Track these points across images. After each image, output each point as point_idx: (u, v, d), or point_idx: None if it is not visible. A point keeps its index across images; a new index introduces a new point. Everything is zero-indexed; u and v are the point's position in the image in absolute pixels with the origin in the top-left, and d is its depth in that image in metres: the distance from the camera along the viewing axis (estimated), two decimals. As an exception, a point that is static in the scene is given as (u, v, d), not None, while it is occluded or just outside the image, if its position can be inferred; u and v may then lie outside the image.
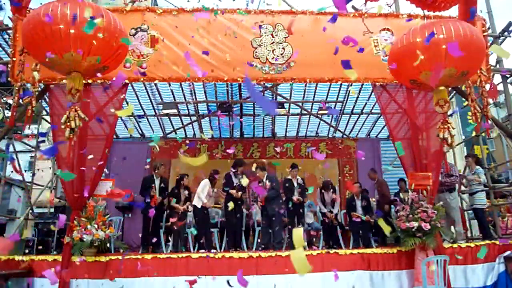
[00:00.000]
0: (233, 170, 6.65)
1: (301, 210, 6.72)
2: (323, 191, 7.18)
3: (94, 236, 5.01)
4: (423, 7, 4.37)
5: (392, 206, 7.37)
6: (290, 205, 6.54)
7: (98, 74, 4.39)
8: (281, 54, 5.85)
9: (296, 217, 6.61)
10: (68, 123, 4.31)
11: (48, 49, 3.91)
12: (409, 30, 4.47)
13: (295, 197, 6.59)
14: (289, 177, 6.90)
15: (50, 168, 8.95)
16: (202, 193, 6.32)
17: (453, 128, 4.91)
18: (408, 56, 4.37)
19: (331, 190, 7.16)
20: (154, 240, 6.02)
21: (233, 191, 6.42)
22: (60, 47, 3.90)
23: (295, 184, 6.75)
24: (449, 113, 6.54)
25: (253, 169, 6.21)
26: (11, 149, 6.87)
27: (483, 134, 7.78)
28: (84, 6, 3.95)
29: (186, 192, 6.62)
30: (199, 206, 6.26)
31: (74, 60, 4.01)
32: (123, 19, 5.67)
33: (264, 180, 6.52)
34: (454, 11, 4.95)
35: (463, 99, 6.27)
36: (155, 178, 6.69)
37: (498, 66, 6.79)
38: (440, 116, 5.81)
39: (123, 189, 7.99)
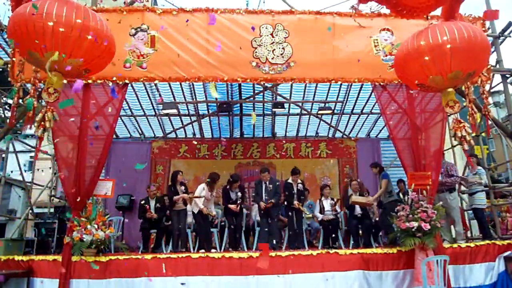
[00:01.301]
0: (228, 187, 6.77)
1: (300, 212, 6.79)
2: (322, 199, 7.20)
3: (94, 236, 5.01)
4: (397, 14, 4.34)
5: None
6: (292, 205, 6.61)
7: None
8: (281, 54, 5.85)
9: (295, 218, 6.64)
10: (43, 123, 4.25)
11: (30, 46, 3.80)
12: (413, 34, 4.46)
13: (296, 202, 6.62)
14: (290, 180, 6.94)
15: (50, 168, 8.96)
16: (199, 199, 6.32)
17: (469, 126, 4.91)
18: (413, 60, 4.36)
19: (329, 198, 7.19)
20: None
21: (232, 206, 6.48)
22: (42, 45, 3.77)
23: (295, 190, 6.79)
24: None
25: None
26: (11, 149, 6.88)
27: (483, 134, 7.80)
28: (72, 5, 3.89)
29: (183, 187, 6.61)
30: (195, 211, 6.29)
31: (56, 60, 3.85)
32: (123, 19, 5.71)
33: (267, 183, 6.62)
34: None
35: (463, 99, 6.27)
36: (150, 200, 6.73)
37: (498, 66, 6.79)
38: (440, 116, 5.84)
39: (124, 190, 8.09)
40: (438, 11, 4.59)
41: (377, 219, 7.03)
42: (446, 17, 4.48)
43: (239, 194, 6.66)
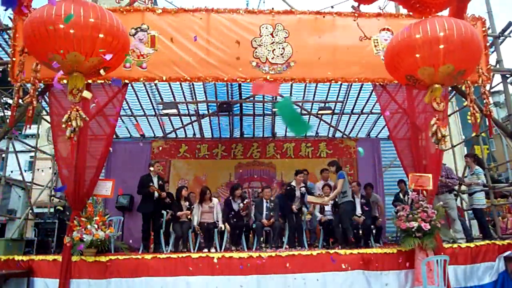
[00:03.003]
0: (230, 198, 6.88)
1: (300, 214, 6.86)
2: None
3: (94, 236, 5.01)
4: (410, 9, 4.35)
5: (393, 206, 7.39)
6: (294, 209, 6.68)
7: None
8: (281, 54, 5.84)
9: (295, 220, 6.69)
10: (69, 123, 4.31)
11: (50, 49, 3.90)
12: (407, 26, 4.45)
13: (294, 207, 6.66)
14: (293, 183, 6.90)
15: (50, 168, 8.97)
16: (197, 216, 6.52)
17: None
18: (405, 51, 4.36)
19: None
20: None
21: (227, 227, 6.55)
22: (64, 46, 3.89)
23: (298, 194, 6.79)
24: (449, 112, 6.54)
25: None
26: (11, 148, 6.87)
27: (483, 134, 7.80)
28: (87, 6, 3.95)
29: (187, 203, 6.66)
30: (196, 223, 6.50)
31: (77, 60, 4.02)
32: (123, 19, 5.70)
33: (269, 201, 6.75)
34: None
35: (463, 99, 6.26)
36: (152, 176, 6.70)
37: (498, 66, 6.79)
38: (440, 116, 5.83)
39: (124, 190, 8.09)
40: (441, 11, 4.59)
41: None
42: (453, 16, 4.49)
43: (241, 204, 6.71)
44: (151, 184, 6.49)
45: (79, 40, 3.89)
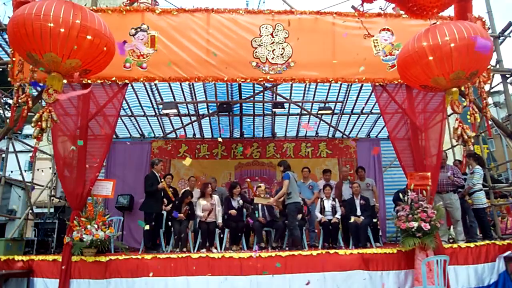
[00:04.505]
0: (229, 196, 6.90)
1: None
2: (323, 199, 7.10)
3: (94, 236, 5.01)
4: (407, 12, 4.35)
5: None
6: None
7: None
8: (281, 54, 5.85)
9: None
10: (39, 123, 4.23)
11: (29, 47, 3.82)
12: (413, 36, 4.46)
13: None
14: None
15: (50, 168, 8.97)
16: (199, 211, 6.54)
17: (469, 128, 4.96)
18: (416, 62, 4.37)
19: (331, 199, 7.09)
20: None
21: (232, 211, 6.63)
22: (40, 46, 3.80)
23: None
24: (449, 112, 6.55)
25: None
26: (11, 149, 6.88)
27: (482, 134, 7.80)
28: (70, 6, 3.89)
29: (187, 207, 6.64)
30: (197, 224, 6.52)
31: (54, 61, 3.92)
32: (123, 19, 5.72)
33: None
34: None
35: (463, 99, 6.26)
36: (157, 175, 6.69)
37: (498, 66, 6.79)
38: (440, 116, 5.84)
39: (124, 190, 8.09)
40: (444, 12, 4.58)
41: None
42: (458, 17, 4.50)
43: (241, 201, 6.73)
44: (162, 180, 6.50)
45: (56, 40, 3.77)
